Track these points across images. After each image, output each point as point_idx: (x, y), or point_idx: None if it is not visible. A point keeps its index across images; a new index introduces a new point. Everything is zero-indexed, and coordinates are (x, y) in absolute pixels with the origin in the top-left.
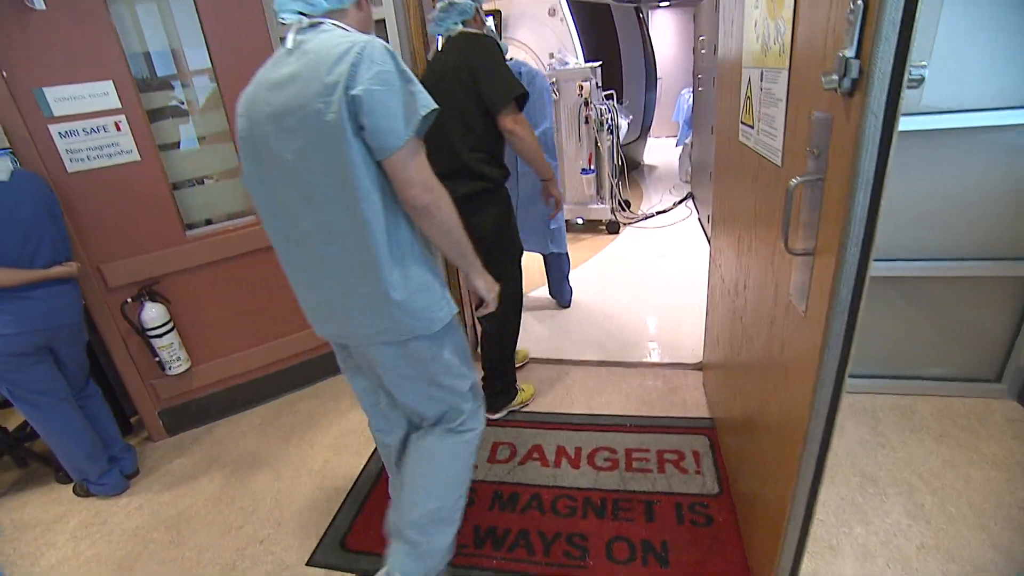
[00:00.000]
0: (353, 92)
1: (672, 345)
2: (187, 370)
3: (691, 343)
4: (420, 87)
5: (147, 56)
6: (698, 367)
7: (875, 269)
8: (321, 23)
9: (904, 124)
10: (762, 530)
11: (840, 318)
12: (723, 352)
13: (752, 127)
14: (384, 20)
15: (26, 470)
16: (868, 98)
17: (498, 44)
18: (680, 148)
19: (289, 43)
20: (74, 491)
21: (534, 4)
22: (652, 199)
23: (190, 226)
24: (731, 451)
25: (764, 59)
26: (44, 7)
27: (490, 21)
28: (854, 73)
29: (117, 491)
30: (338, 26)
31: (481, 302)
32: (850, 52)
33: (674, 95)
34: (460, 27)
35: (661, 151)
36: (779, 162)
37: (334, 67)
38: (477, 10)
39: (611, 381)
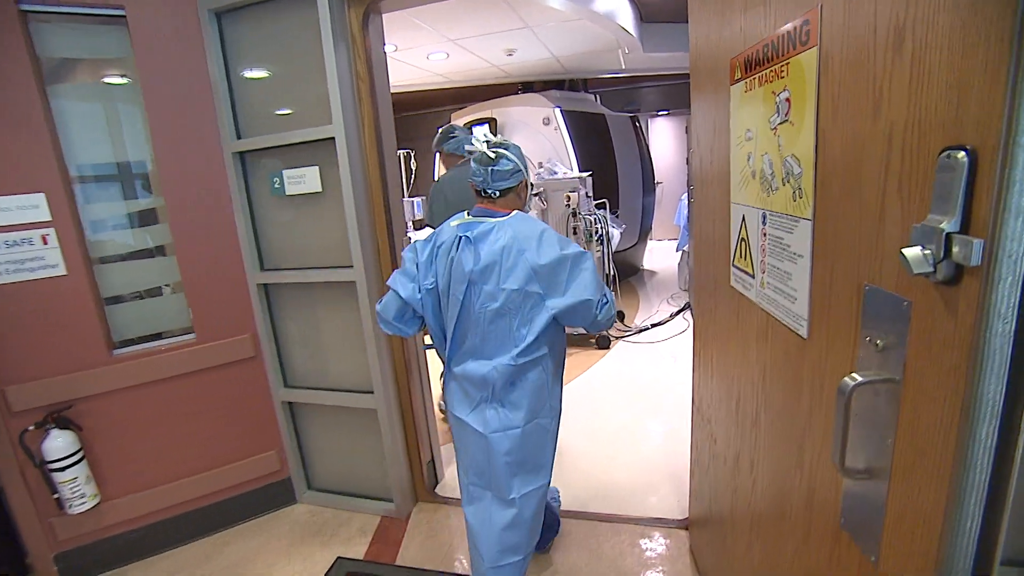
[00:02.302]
0: None
1: (656, 493)
2: (94, 507)
3: (677, 491)
4: None
5: (124, 166)
6: (683, 525)
7: None
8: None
9: None
10: None
11: None
12: (719, 525)
13: (752, 276)
14: (333, 138)
15: None
16: (992, 296)
17: None
18: (679, 254)
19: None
20: None
21: (529, 113)
22: (651, 307)
23: (125, 343)
24: None
25: (768, 200)
26: None
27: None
28: (969, 257)
29: None
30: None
31: None
32: (949, 224)
33: (676, 198)
34: None
35: (663, 255)
36: (804, 333)
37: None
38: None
39: (581, 536)
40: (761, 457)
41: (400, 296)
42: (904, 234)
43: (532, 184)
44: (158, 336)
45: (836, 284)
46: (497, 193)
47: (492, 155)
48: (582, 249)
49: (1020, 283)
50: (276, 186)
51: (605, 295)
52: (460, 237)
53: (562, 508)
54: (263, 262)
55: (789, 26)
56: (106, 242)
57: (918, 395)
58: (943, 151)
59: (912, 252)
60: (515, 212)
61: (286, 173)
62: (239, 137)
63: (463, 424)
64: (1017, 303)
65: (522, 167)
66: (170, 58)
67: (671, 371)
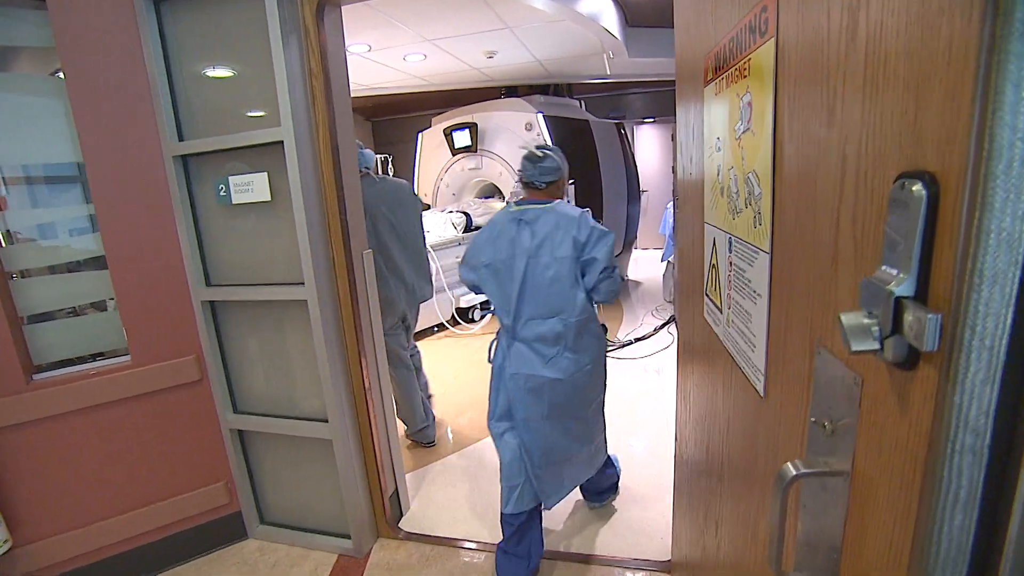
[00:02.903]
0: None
1: (637, 528)
2: (5, 554)
3: (663, 523)
4: None
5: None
6: (666, 567)
7: None
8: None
9: None
10: None
11: None
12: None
13: (720, 310)
14: (282, 142)
15: None
16: (955, 395)
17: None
18: (665, 264)
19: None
20: None
21: (511, 118)
22: (635, 319)
23: (57, 365)
24: None
25: (733, 223)
26: None
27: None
28: (922, 338)
29: None
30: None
31: None
32: (900, 285)
33: (661, 207)
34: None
35: (648, 264)
36: (761, 390)
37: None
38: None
39: None
40: (724, 520)
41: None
42: (856, 287)
43: (572, 180)
44: (99, 357)
45: (791, 339)
46: (544, 184)
47: (540, 154)
48: (609, 230)
49: (998, 380)
50: (222, 194)
51: (613, 269)
52: (519, 220)
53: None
54: (209, 277)
55: (751, 13)
56: (56, 249)
57: (866, 505)
58: (898, 178)
59: (851, 319)
60: (557, 200)
61: (232, 180)
62: (181, 139)
63: (534, 378)
64: (994, 407)
65: (562, 166)
66: (100, 49)
67: (655, 387)
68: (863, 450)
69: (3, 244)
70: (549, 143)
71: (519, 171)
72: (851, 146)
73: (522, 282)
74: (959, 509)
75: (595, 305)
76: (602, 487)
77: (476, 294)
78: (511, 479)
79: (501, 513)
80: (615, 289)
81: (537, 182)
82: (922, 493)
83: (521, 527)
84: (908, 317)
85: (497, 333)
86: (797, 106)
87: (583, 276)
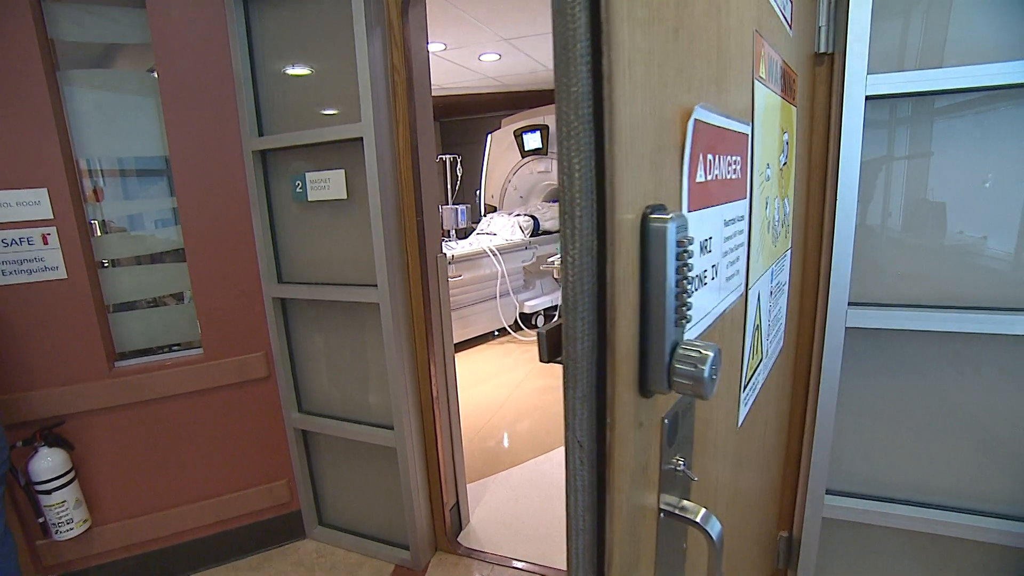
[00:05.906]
0: None
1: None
2: (85, 532)
3: None
4: None
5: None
6: None
7: None
8: None
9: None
10: None
11: None
12: None
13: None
14: (361, 138)
15: None
16: None
17: None
18: None
19: None
20: None
21: None
22: None
23: (137, 353)
24: None
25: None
26: None
27: None
28: None
29: None
30: None
31: None
32: None
33: None
34: None
35: None
36: None
37: None
38: None
39: None
40: None
41: None
42: None
43: None
44: (174, 347)
45: None
46: None
47: None
48: None
49: None
50: (298, 190)
51: None
52: None
53: None
54: (281, 274)
55: None
56: (144, 239)
57: None
58: None
59: None
60: None
61: (309, 176)
62: (261, 134)
63: None
64: None
65: None
66: (191, 47)
67: None
68: None
69: (99, 232)
70: None
71: None
72: None
73: None
74: None
75: None
76: None
77: None
78: None
79: None
80: None
81: None
82: None
83: None
84: None
85: None
86: None
87: None
